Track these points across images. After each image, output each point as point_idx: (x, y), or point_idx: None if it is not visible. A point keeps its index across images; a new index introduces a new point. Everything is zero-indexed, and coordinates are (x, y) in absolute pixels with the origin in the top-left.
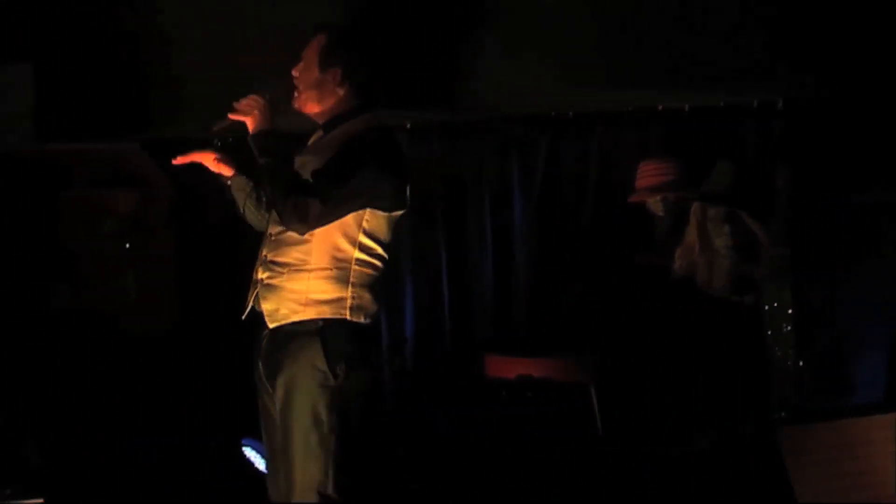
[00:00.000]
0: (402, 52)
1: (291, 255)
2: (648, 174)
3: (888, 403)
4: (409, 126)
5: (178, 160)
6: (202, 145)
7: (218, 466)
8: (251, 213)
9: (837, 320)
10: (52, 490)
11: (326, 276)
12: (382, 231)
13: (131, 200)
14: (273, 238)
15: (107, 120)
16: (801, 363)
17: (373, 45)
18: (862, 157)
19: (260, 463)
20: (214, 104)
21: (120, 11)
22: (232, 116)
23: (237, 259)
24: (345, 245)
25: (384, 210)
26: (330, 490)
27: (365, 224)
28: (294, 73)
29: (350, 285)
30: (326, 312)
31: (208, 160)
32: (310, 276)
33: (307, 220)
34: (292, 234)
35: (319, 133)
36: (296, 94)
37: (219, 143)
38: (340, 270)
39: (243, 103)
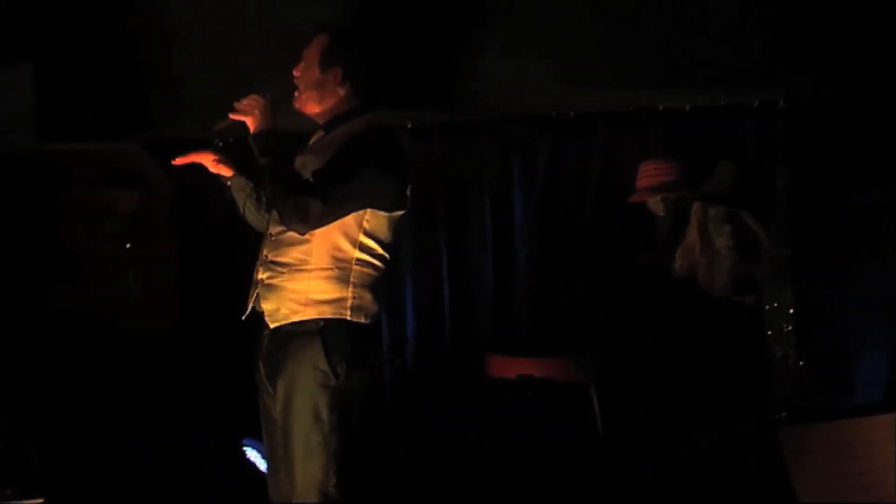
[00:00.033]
0: (402, 52)
1: (292, 255)
2: (649, 174)
3: (889, 403)
4: (409, 126)
5: (178, 161)
6: (203, 145)
7: (218, 466)
8: (251, 214)
9: (838, 320)
10: (54, 490)
11: (327, 276)
12: (383, 231)
13: (132, 200)
14: (273, 238)
15: (107, 120)
16: (801, 363)
17: (373, 45)
18: (862, 157)
19: (261, 463)
20: (215, 104)
21: (120, 11)
22: (232, 116)
23: (238, 259)
24: (345, 245)
25: (385, 210)
26: (331, 490)
27: (365, 224)
28: (295, 73)
29: (350, 285)
30: (327, 312)
31: (207, 161)
32: (310, 276)
33: (308, 220)
34: (293, 234)
35: (320, 133)
36: (296, 94)
37: (220, 143)
38: (341, 270)
39: (244, 103)
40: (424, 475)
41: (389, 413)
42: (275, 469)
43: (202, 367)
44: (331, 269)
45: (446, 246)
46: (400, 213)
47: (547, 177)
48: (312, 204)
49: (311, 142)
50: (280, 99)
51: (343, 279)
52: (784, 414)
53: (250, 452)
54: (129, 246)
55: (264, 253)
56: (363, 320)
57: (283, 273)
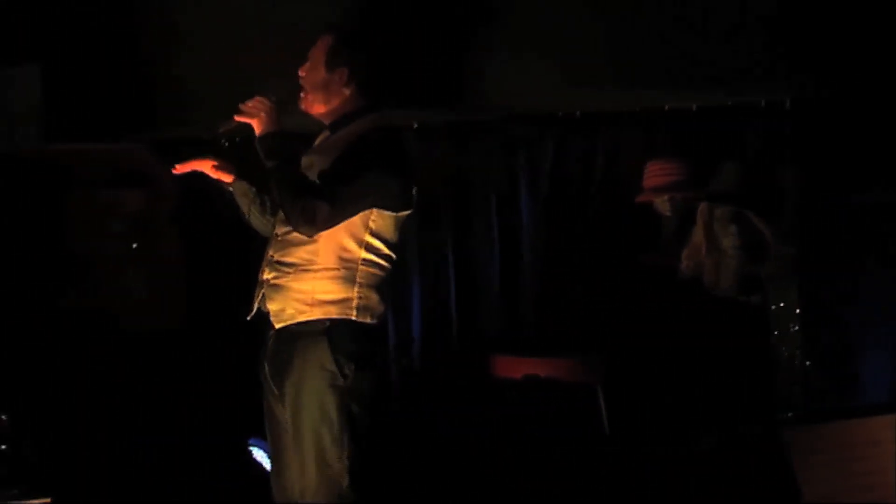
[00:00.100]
0: (408, 53)
1: (298, 256)
2: (655, 174)
3: (894, 403)
4: (415, 126)
5: (178, 169)
6: (209, 145)
7: (224, 466)
8: (256, 219)
9: (844, 320)
10: (60, 490)
11: (333, 276)
12: (389, 231)
13: (137, 200)
14: (279, 238)
15: (112, 120)
16: (807, 363)
17: (379, 46)
18: (868, 158)
19: (266, 463)
20: (220, 104)
21: (125, 12)
22: (238, 118)
23: (245, 259)
24: (351, 245)
25: (391, 210)
26: (344, 489)
27: (371, 224)
28: (300, 73)
29: (356, 285)
30: (333, 313)
31: (207, 167)
32: (316, 277)
33: (315, 223)
34: (299, 235)
35: (326, 133)
36: (302, 95)
37: (226, 143)
38: (347, 270)
39: (249, 105)
40: (431, 475)
41: (396, 413)
42: (278, 469)
43: (207, 367)
44: (337, 270)
45: (452, 246)
46: (406, 213)
47: (553, 177)
48: (320, 207)
49: (316, 142)
50: (285, 100)
51: (349, 279)
52: (790, 414)
53: (256, 452)
54: (134, 246)
55: (270, 253)
56: (369, 320)
57: (288, 273)
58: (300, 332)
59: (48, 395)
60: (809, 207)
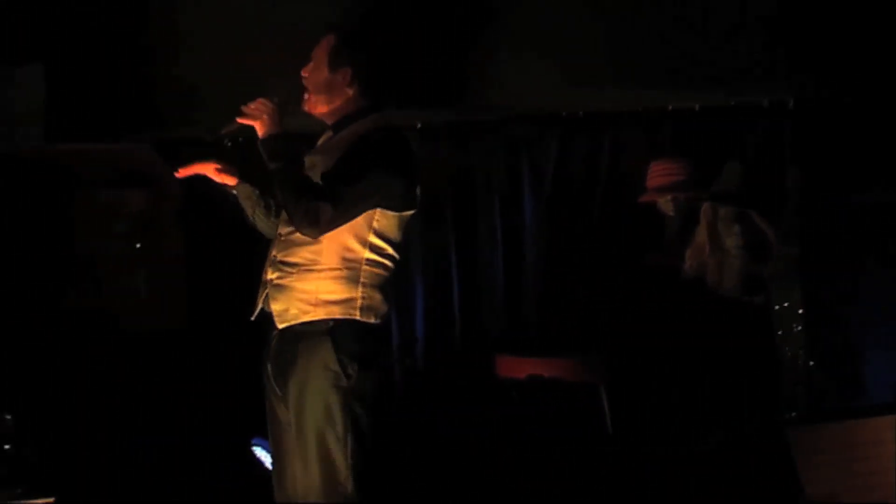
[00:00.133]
0: (411, 53)
1: (301, 256)
2: (658, 174)
3: None
4: (419, 126)
5: (181, 173)
6: (212, 147)
7: (226, 466)
8: (261, 222)
9: (847, 320)
10: (63, 489)
11: (336, 276)
12: (393, 231)
13: (142, 200)
14: (283, 238)
15: (116, 120)
16: (810, 363)
17: (382, 46)
18: (870, 158)
19: (269, 463)
20: (223, 104)
21: (129, 12)
22: (240, 120)
23: (248, 259)
24: (355, 245)
25: (394, 210)
26: (349, 490)
27: (375, 224)
28: (303, 73)
29: (360, 285)
30: (336, 313)
31: (210, 170)
32: (319, 277)
33: (319, 225)
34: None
35: (329, 133)
36: (305, 96)
37: (229, 144)
38: (350, 270)
39: (252, 107)
40: (434, 475)
41: (400, 413)
42: (279, 469)
43: (209, 367)
44: (340, 270)
45: (455, 246)
46: (410, 212)
47: (556, 177)
48: (323, 209)
49: (319, 142)
50: (287, 100)
51: (352, 279)
52: (793, 414)
53: (259, 452)
54: (138, 246)
55: (273, 253)
56: (373, 320)
57: (292, 273)
58: (304, 333)
59: (51, 395)
60: (812, 207)
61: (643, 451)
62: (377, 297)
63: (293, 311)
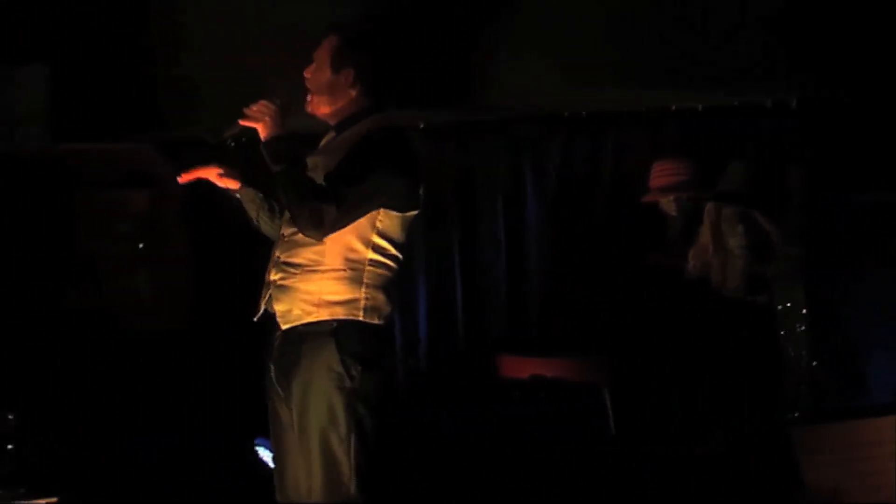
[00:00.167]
0: (414, 53)
1: (304, 256)
2: (662, 174)
3: None
4: (421, 126)
5: (183, 178)
6: (214, 150)
7: (229, 466)
8: (266, 225)
9: (851, 320)
10: (66, 489)
11: (339, 276)
12: (396, 231)
13: (145, 200)
14: (286, 239)
15: (119, 120)
16: (814, 363)
17: (385, 46)
18: (874, 158)
19: (272, 463)
20: (226, 104)
21: (132, 12)
22: (243, 123)
23: (251, 259)
24: (358, 246)
25: (397, 210)
26: (352, 490)
27: (378, 224)
28: (306, 74)
29: (363, 286)
30: (340, 313)
31: (212, 175)
32: (323, 277)
33: (322, 227)
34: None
35: (331, 134)
36: (308, 97)
37: (232, 144)
38: (354, 271)
39: (254, 109)
40: (437, 475)
41: (402, 413)
42: (281, 470)
43: (212, 367)
44: (343, 270)
45: (458, 246)
46: (413, 213)
47: (559, 177)
48: (327, 210)
49: (322, 143)
50: (290, 101)
51: (356, 280)
52: (796, 414)
53: (262, 452)
54: (141, 246)
55: (276, 254)
56: (376, 321)
57: (295, 274)
58: (307, 334)
59: (54, 395)
60: (815, 207)
61: (646, 452)
62: (381, 297)
63: (296, 311)
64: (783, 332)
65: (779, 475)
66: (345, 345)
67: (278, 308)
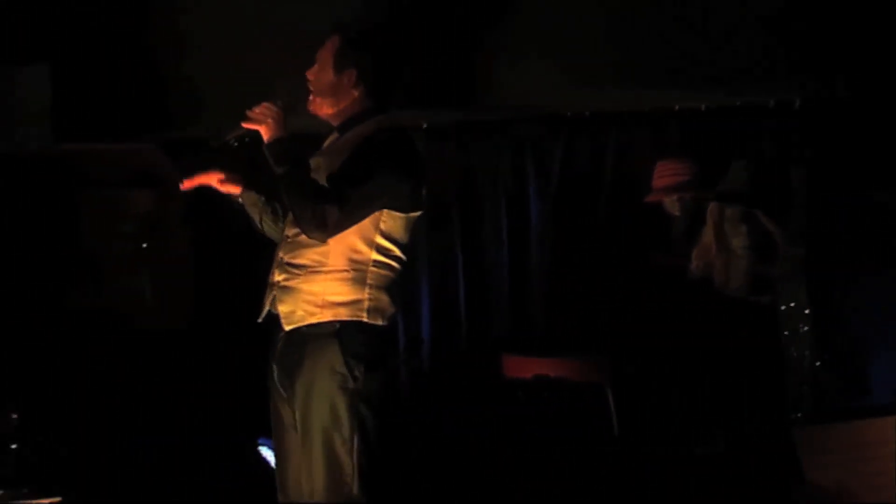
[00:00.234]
0: (416, 53)
1: (308, 257)
2: (665, 174)
3: None
4: (424, 126)
5: (185, 185)
6: (217, 153)
7: (232, 467)
8: (270, 228)
9: (854, 320)
10: (70, 489)
11: (343, 277)
12: (399, 232)
13: (148, 200)
14: (289, 240)
15: (122, 120)
16: (817, 363)
17: (387, 46)
18: (877, 157)
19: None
20: (230, 104)
21: (135, 12)
22: (245, 125)
23: (254, 259)
24: (362, 247)
25: (401, 211)
26: (354, 491)
27: (382, 225)
28: (308, 75)
29: (367, 287)
30: (343, 314)
31: (214, 181)
32: (326, 278)
33: (326, 229)
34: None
35: (335, 135)
36: (310, 97)
37: (235, 144)
38: (357, 272)
39: (256, 112)
40: (440, 475)
41: (406, 414)
42: (282, 470)
43: (215, 367)
44: (347, 271)
45: (461, 246)
46: (417, 213)
47: (562, 177)
48: (330, 211)
49: (325, 144)
50: (293, 102)
51: (359, 281)
52: (799, 414)
53: (266, 452)
54: (144, 246)
55: (280, 255)
56: (380, 322)
57: (299, 275)
58: (310, 334)
59: (57, 395)
60: (818, 207)
61: (649, 452)
62: (384, 298)
63: (300, 312)
64: (786, 333)
65: (782, 475)
66: (348, 346)
67: (282, 309)
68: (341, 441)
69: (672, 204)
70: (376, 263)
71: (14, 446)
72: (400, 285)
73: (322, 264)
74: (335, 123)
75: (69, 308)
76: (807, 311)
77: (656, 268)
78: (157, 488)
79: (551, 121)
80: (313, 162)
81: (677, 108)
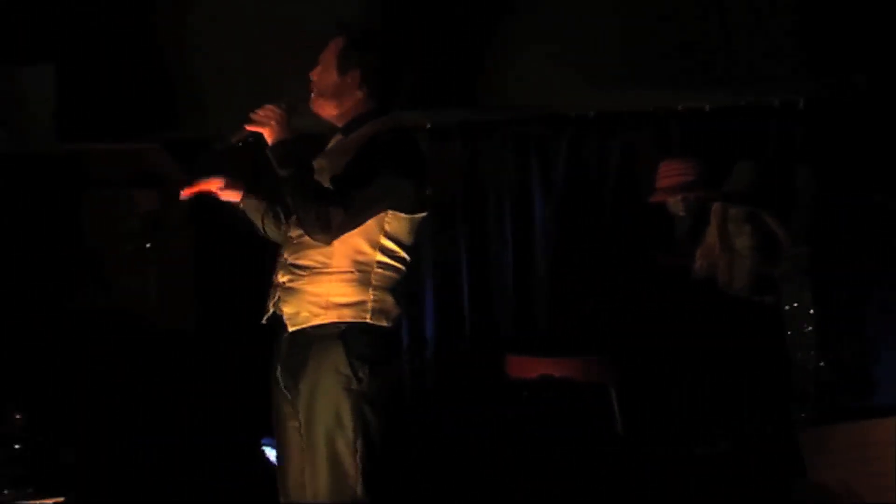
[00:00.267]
0: (421, 53)
1: (312, 258)
2: (669, 174)
3: None
4: (429, 126)
5: (185, 193)
6: (222, 152)
7: (236, 467)
8: (272, 231)
9: (858, 320)
10: (74, 489)
11: (347, 279)
12: (404, 233)
13: (152, 200)
14: (293, 241)
15: (127, 120)
16: (821, 363)
17: (391, 47)
18: (882, 157)
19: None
20: (234, 104)
21: (140, 12)
22: (249, 128)
23: (258, 260)
24: (366, 248)
25: (405, 212)
26: (358, 492)
27: (386, 226)
28: (312, 76)
29: (371, 288)
30: (347, 316)
31: (214, 188)
32: (331, 280)
33: (330, 230)
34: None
35: (339, 136)
36: (314, 98)
37: (239, 144)
38: (362, 273)
39: (260, 114)
40: (444, 476)
41: (410, 414)
42: (285, 471)
43: (219, 367)
44: (351, 272)
45: (466, 246)
46: (421, 214)
47: (566, 177)
48: (334, 213)
49: (329, 145)
50: (296, 103)
51: (364, 282)
52: (803, 414)
53: (269, 452)
54: (147, 246)
55: (284, 256)
56: (384, 324)
57: (303, 276)
58: (314, 336)
59: (61, 395)
60: (822, 207)
61: (653, 452)
62: (389, 300)
63: (304, 314)
64: (790, 333)
65: (786, 475)
66: (352, 347)
67: (286, 310)
68: (345, 443)
69: (676, 204)
70: (381, 265)
71: (18, 446)
72: (404, 287)
73: (326, 266)
74: (339, 124)
75: (73, 308)
76: (811, 312)
77: (660, 268)
78: (161, 488)
79: (555, 121)
80: (317, 163)
81: (681, 108)
